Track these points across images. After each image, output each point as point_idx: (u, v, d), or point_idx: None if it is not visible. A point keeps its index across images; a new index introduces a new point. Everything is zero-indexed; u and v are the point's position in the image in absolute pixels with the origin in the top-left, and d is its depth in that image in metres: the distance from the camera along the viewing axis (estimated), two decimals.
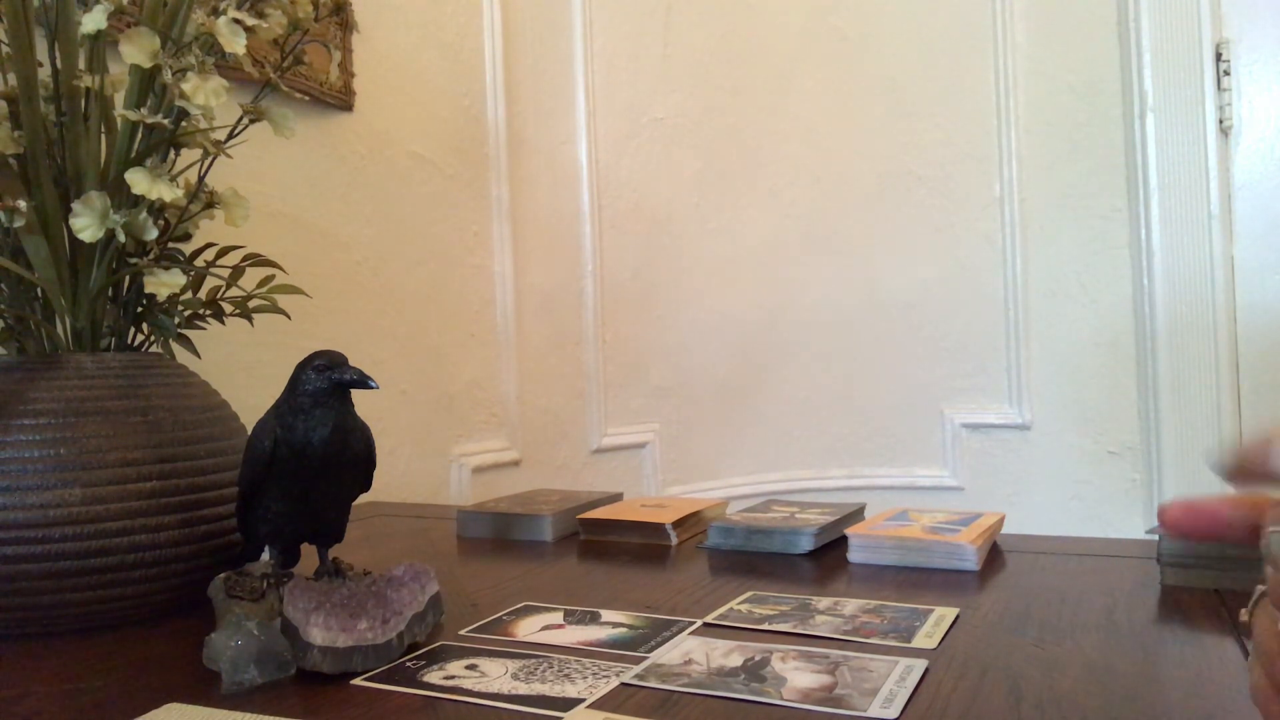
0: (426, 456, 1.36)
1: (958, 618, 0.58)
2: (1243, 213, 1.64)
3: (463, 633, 0.58)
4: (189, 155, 0.73)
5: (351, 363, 0.59)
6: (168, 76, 0.65)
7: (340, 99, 1.23)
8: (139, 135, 0.69)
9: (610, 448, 1.72)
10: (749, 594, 0.65)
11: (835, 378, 1.89)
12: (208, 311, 0.75)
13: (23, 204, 0.63)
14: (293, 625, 0.51)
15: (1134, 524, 1.66)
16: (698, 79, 1.84)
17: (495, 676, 0.49)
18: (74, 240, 0.66)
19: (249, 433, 0.61)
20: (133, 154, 0.68)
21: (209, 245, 0.77)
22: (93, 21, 0.65)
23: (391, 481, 1.27)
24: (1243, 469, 0.30)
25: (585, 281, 1.70)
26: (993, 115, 1.80)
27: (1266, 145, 1.63)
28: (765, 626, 0.57)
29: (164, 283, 0.67)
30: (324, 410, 0.58)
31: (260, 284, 0.76)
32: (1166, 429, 1.63)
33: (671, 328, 1.82)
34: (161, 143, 0.69)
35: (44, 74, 0.67)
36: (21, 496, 0.59)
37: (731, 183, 1.87)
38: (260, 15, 0.69)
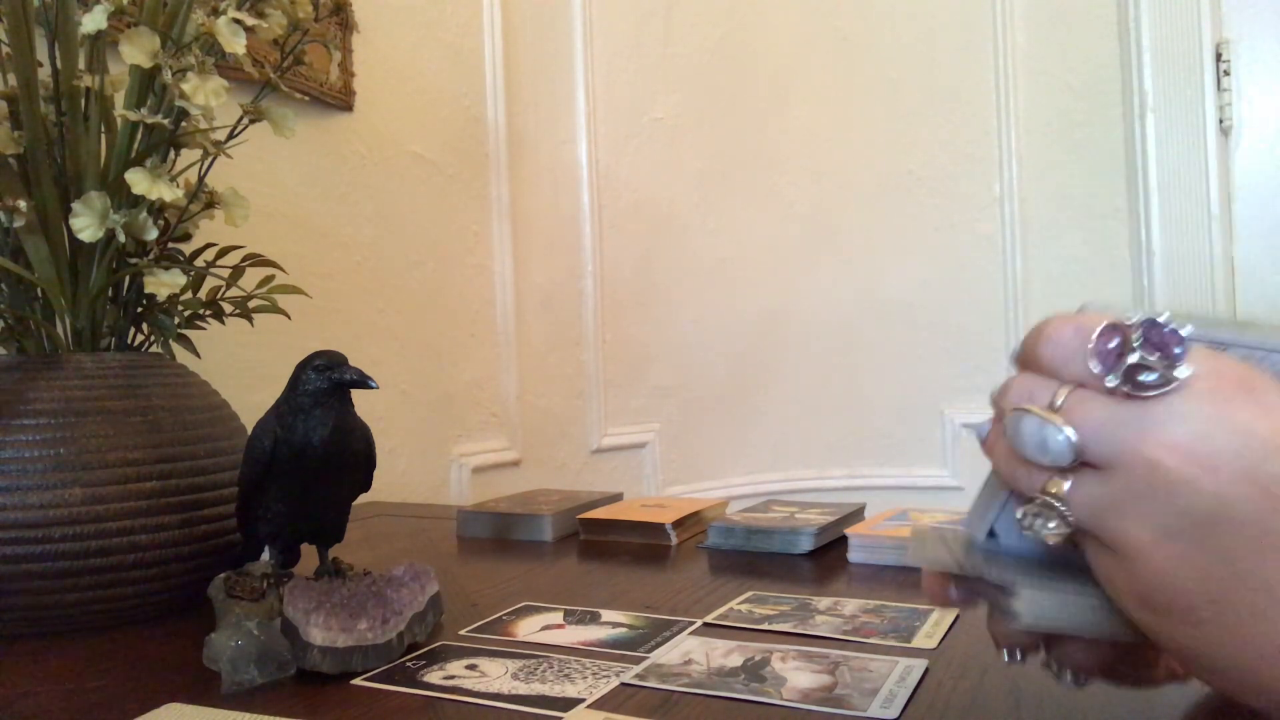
0: (426, 456, 1.36)
1: (958, 618, 0.58)
2: (1243, 213, 1.64)
3: (463, 633, 0.58)
4: (189, 155, 0.73)
5: (351, 363, 0.59)
6: (168, 76, 0.65)
7: (340, 99, 1.23)
8: (139, 135, 0.69)
9: (610, 448, 1.72)
10: (749, 594, 0.65)
11: (835, 378, 1.89)
12: (208, 311, 0.75)
13: (23, 204, 0.63)
14: (293, 625, 0.51)
15: None
16: (698, 79, 1.83)
17: (495, 676, 0.49)
18: (74, 240, 0.66)
19: (249, 433, 0.61)
20: (133, 154, 0.68)
21: (209, 245, 0.77)
22: (93, 21, 0.65)
23: (391, 481, 1.27)
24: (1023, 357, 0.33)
25: (585, 281, 1.70)
26: (993, 115, 1.80)
27: (1266, 145, 1.63)
28: (765, 626, 0.57)
29: (164, 283, 0.67)
30: (324, 410, 0.58)
31: (260, 284, 0.76)
32: None
33: (671, 328, 1.82)
34: (161, 143, 0.69)
35: (44, 74, 0.67)
36: (21, 496, 0.59)
37: (732, 183, 1.87)
38: (260, 15, 0.69)
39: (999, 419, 0.33)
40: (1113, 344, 0.29)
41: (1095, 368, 0.29)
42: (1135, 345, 0.29)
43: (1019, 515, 0.31)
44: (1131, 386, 0.29)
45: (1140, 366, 0.29)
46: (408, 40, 1.36)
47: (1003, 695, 0.45)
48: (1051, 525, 0.31)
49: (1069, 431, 0.29)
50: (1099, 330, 0.30)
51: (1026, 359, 0.33)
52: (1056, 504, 0.30)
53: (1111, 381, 0.29)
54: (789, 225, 1.89)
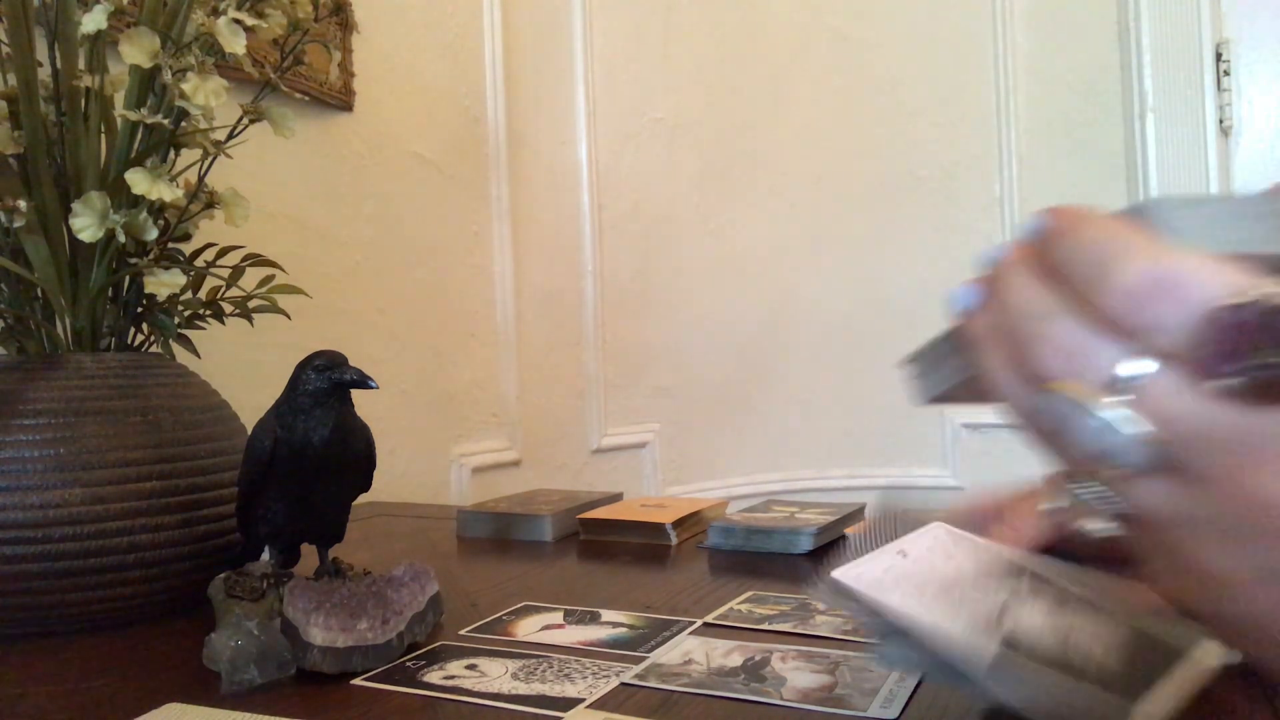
0: (426, 456, 1.36)
1: None
2: None
3: (463, 633, 0.58)
4: (189, 155, 0.73)
5: (351, 363, 0.59)
6: (168, 76, 0.65)
7: (340, 99, 1.23)
8: (139, 135, 0.69)
9: (610, 448, 1.72)
10: (749, 594, 0.65)
11: (835, 378, 1.89)
12: (208, 311, 0.75)
13: (23, 204, 0.63)
14: (293, 625, 0.51)
15: None
16: (698, 79, 1.83)
17: (495, 676, 0.49)
18: (74, 240, 0.66)
19: (249, 433, 0.61)
20: (133, 154, 0.68)
21: (209, 245, 0.77)
22: (93, 21, 0.65)
23: (391, 481, 1.27)
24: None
25: (585, 281, 1.70)
26: (993, 115, 1.80)
27: (1266, 145, 1.63)
28: (765, 626, 0.57)
29: (164, 283, 0.67)
30: (324, 410, 0.58)
31: (260, 284, 0.76)
32: None
33: (671, 328, 1.82)
34: (161, 143, 0.69)
35: (44, 74, 0.67)
36: (21, 496, 0.59)
37: (731, 183, 1.87)
38: (260, 15, 0.69)
39: (988, 293, 0.26)
40: (1232, 331, 0.20)
41: (1208, 362, 0.21)
42: (1262, 336, 0.20)
43: (1045, 507, 0.24)
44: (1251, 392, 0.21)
45: (1265, 366, 0.20)
46: (408, 40, 1.36)
47: None
48: (1097, 524, 0.23)
49: (1151, 435, 0.21)
50: (1213, 309, 0.21)
51: (1062, 277, 0.23)
52: (1110, 497, 0.23)
53: (1230, 383, 0.21)
54: (788, 225, 1.89)
